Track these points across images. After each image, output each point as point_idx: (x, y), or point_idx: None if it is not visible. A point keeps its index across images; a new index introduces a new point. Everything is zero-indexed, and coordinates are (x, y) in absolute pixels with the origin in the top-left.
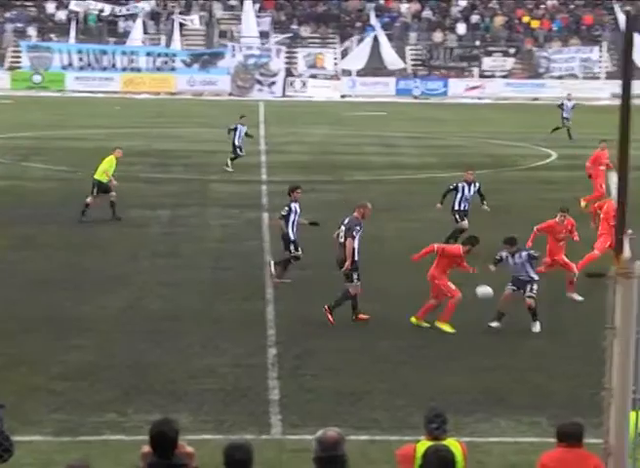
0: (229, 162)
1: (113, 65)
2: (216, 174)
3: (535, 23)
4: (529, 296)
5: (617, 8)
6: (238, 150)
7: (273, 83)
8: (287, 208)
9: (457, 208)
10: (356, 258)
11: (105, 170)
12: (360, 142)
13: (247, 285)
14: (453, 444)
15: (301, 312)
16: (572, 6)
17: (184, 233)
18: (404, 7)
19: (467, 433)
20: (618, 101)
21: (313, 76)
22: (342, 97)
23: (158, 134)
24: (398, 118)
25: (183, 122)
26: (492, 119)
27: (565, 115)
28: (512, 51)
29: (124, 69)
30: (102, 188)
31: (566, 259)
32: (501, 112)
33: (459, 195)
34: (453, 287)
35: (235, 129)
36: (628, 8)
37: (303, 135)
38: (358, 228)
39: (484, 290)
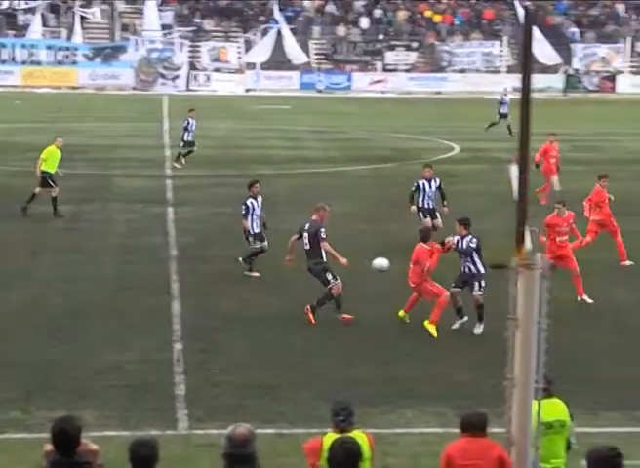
0: (182, 159)
1: (13, 59)
2: (119, 168)
3: (437, 18)
4: (477, 294)
5: (517, 3)
6: (190, 146)
7: (177, 77)
8: (243, 205)
9: (420, 206)
10: (324, 260)
11: (44, 159)
12: (265, 136)
13: (152, 280)
14: (359, 435)
15: (207, 307)
16: (473, 0)
17: (88, 228)
18: (307, 1)
19: (373, 424)
20: (518, 95)
21: (217, 70)
22: (247, 90)
23: (60, 128)
24: (302, 112)
25: (86, 116)
26: (395, 113)
27: (502, 111)
28: (415, 45)
29: (24, 63)
30: (51, 179)
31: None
32: (405, 106)
33: (421, 193)
34: (437, 286)
35: (188, 124)
36: (528, 3)
37: (208, 129)
38: (323, 230)
39: (380, 262)
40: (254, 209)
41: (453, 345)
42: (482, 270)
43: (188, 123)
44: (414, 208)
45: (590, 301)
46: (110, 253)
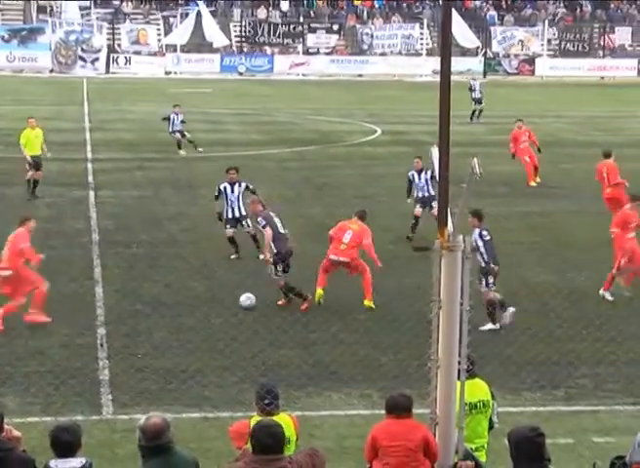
0: (185, 147)
1: None
2: None
3: (357, 1)
4: (484, 290)
5: None
6: (179, 134)
7: (96, 59)
8: (216, 188)
9: (415, 196)
10: (275, 250)
11: (24, 144)
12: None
13: (74, 265)
14: (284, 418)
15: (130, 291)
16: None
17: (7, 213)
18: None
19: (299, 407)
20: (438, 78)
21: (137, 52)
22: (167, 73)
23: None
24: (223, 95)
25: (4, 100)
26: (317, 96)
27: (475, 96)
28: (336, 28)
29: None
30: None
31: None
32: (327, 89)
33: (413, 185)
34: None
35: (168, 118)
36: None
37: (128, 112)
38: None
39: (245, 299)
40: (226, 194)
41: (377, 328)
42: (491, 265)
43: (169, 117)
44: (409, 200)
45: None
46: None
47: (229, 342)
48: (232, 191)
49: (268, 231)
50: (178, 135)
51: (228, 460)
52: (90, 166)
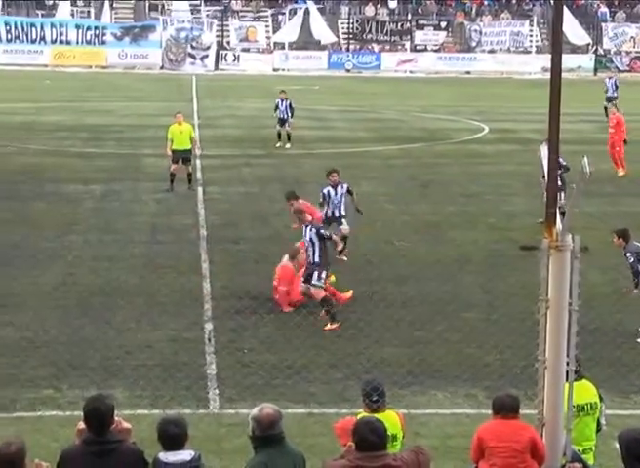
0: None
1: (42, 38)
2: (149, 148)
3: None
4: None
5: None
6: (286, 124)
7: (205, 56)
8: (321, 194)
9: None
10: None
11: (171, 138)
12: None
13: (182, 259)
14: (390, 415)
15: (237, 286)
16: None
17: (118, 208)
18: None
19: (404, 405)
20: (548, 75)
21: (246, 50)
22: (275, 70)
23: (90, 108)
24: (330, 92)
25: (115, 96)
26: (424, 93)
27: (610, 94)
28: (444, 24)
29: (53, 42)
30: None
31: None
32: (434, 86)
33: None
34: None
35: (277, 106)
36: None
37: (236, 108)
38: None
39: None
40: (329, 197)
41: (482, 327)
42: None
43: (276, 103)
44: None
45: None
46: (140, 233)
47: (335, 339)
48: (335, 194)
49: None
50: (278, 126)
51: (333, 457)
52: (198, 162)
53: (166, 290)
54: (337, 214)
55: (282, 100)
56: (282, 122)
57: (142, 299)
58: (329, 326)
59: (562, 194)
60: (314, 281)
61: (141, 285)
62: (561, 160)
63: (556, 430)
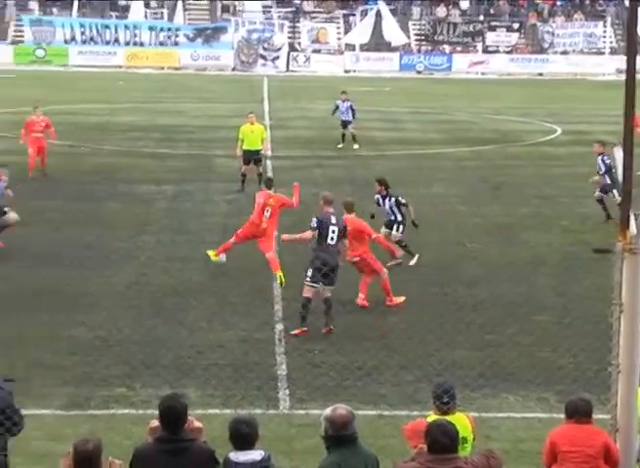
0: (353, 141)
1: (116, 40)
2: (220, 149)
3: None
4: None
5: None
6: (348, 125)
7: (277, 58)
8: (375, 199)
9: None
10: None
11: (242, 138)
12: (364, 118)
13: (253, 260)
14: (461, 418)
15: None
16: None
17: (190, 208)
18: None
19: (475, 408)
20: (622, 77)
21: (317, 51)
22: (346, 72)
23: (162, 109)
24: (402, 93)
25: (187, 97)
26: (496, 94)
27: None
28: (516, 26)
29: (127, 44)
30: (255, 158)
31: None
32: (506, 88)
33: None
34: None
35: (337, 107)
36: None
37: (307, 110)
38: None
39: None
40: (381, 205)
41: (555, 330)
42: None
43: (337, 106)
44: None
45: None
46: (212, 234)
47: (406, 341)
48: (384, 204)
49: (309, 234)
50: (341, 128)
51: (404, 459)
52: (270, 163)
53: (237, 290)
54: (392, 218)
55: (343, 102)
56: (344, 124)
57: (214, 300)
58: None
59: (614, 192)
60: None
61: (213, 285)
62: (607, 159)
63: (630, 435)
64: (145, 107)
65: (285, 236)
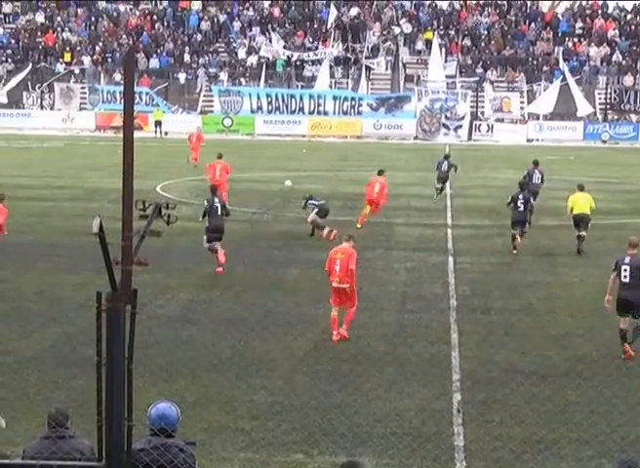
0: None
1: (301, 109)
2: (401, 217)
3: None
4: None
5: None
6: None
7: (459, 127)
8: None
9: None
10: None
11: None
12: (547, 187)
13: (432, 329)
14: None
15: (487, 358)
16: None
17: (369, 275)
18: (593, 50)
19: None
20: None
21: (499, 120)
22: (529, 141)
23: (344, 177)
24: (586, 162)
25: (369, 165)
26: None
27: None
28: None
29: (311, 113)
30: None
31: None
32: None
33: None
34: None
35: (529, 175)
36: None
37: (490, 179)
38: None
39: None
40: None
41: None
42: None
43: (531, 174)
44: None
45: None
46: (391, 301)
47: (588, 414)
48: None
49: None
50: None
51: None
52: (449, 232)
53: (415, 359)
54: None
55: (535, 172)
56: (534, 195)
57: (392, 368)
58: None
59: None
60: None
61: (391, 353)
62: None
63: None
64: (328, 176)
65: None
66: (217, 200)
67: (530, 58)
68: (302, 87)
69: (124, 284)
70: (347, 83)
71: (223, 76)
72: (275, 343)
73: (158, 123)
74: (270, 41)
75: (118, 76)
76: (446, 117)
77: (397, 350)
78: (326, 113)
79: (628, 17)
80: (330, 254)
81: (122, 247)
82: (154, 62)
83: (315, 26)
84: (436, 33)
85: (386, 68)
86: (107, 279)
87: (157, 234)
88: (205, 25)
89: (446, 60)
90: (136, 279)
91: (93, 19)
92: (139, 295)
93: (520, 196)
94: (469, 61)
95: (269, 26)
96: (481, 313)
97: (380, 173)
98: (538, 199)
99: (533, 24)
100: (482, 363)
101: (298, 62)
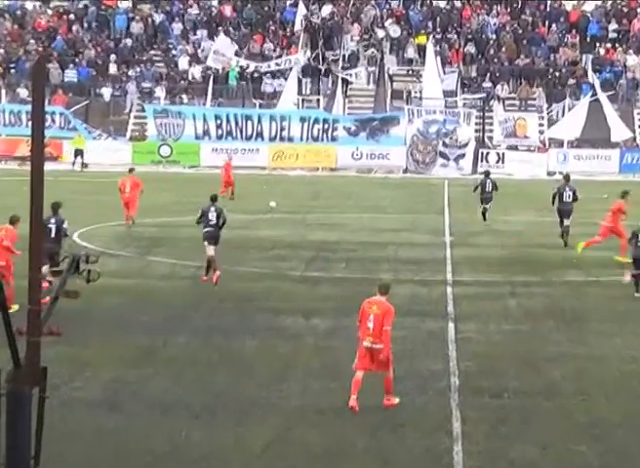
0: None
1: (259, 134)
2: (388, 271)
3: None
4: None
5: None
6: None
7: (461, 156)
8: None
9: None
10: None
11: None
12: (574, 233)
13: (428, 416)
14: None
15: (498, 453)
16: None
17: (346, 347)
18: (631, 59)
19: None
20: None
21: (512, 147)
22: (550, 174)
23: (314, 220)
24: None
25: (346, 205)
26: None
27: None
28: None
29: (273, 139)
30: None
31: None
32: None
33: None
34: None
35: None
36: None
37: (499, 222)
38: None
39: None
40: None
41: None
42: None
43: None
44: None
45: None
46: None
47: None
48: None
49: None
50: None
51: None
52: (449, 290)
53: (407, 455)
54: None
55: (564, 188)
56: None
57: (378, 466)
58: None
59: None
60: None
61: (376, 446)
62: None
63: None
64: (294, 219)
65: None
66: (212, 209)
67: (551, 70)
68: (261, 106)
69: (30, 360)
70: (318, 101)
71: (160, 92)
72: (225, 435)
73: (79, 152)
74: (219, 48)
75: (24, 92)
76: (444, 144)
77: (383, 444)
78: (291, 139)
79: None
80: (362, 305)
81: (28, 312)
82: (71, 74)
83: (277, 29)
84: (431, 37)
85: (368, 82)
86: (9, 354)
87: (74, 295)
88: (136, 28)
89: (444, 72)
90: (46, 353)
91: None
92: (49, 374)
93: (567, 187)
94: (474, 73)
95: (219, 29)
96: (490, 396)
97: None
98: (571, 218)
99: (554, 26)
100: (492, 460)
101: (255, 75)
